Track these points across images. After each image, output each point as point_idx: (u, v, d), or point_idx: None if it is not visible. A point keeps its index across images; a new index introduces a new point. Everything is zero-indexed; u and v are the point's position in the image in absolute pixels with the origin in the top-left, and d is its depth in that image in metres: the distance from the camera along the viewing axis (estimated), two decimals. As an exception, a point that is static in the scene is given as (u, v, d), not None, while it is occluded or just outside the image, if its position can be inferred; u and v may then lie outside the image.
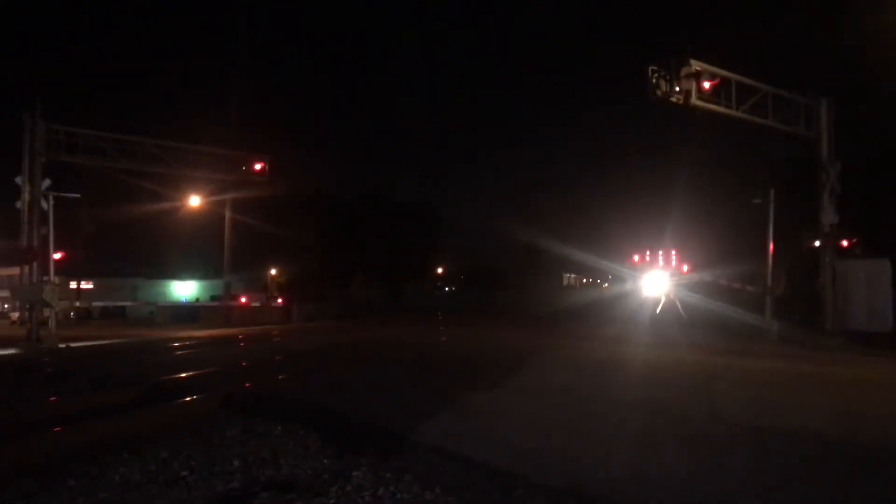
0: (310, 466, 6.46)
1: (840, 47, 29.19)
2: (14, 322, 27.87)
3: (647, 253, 61.20)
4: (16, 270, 22.37)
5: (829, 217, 19.80)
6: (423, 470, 6.18)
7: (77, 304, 36.77)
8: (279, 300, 39.22)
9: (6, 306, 35.96)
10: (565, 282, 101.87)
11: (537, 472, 6.10)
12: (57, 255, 22.74)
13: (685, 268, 53.36)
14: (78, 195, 23.54)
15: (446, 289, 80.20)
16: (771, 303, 21.49)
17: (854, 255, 21.63)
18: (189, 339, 23.33)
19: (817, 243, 20.29)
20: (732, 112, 18.74)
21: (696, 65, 17.54)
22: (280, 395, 10.68)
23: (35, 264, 20.84)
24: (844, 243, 20.10)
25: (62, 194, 22.23)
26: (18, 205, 20.92)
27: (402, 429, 7.68)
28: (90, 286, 41.53)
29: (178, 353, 19.25)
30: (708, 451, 6.93)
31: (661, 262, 58.60)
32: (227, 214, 33.13)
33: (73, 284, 37.27)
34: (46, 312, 20.85)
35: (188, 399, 10.71)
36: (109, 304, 39.67)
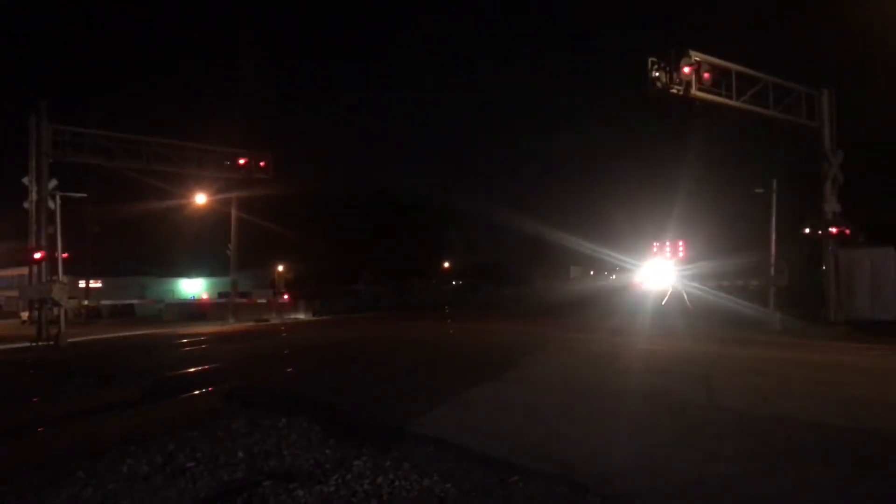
0: (312, 457, 6.60)
1: (843, 37, 29.09)
2: (25, 321, 28.16)
3: (655, 245, 61.25)
4: (25, 270, 22.63)
5: (831, 206, 19.85)
6: (422, 459, 6.33)
7: (86, 302, 37.08)
8: (286, 297, 39.43)
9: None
10: (572, 274, 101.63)
11: (534, 460, 6.22)
12: (65, 255, 22.95)
13: (691, 259, 53.32)
14: (84, 195, 23.78)
15: (454, 283, 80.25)
16: (774, 293, 21.53)
17: (858, 244, 21.65)
18: (196, 335, 23.57)
19: (819, 232, 20.34)
20: (733, 102, 18.77)
21: (695, 55, 17.60)
22: (284, 389, 10.87)
23: (43, 264, 21.08)
24: (847, 232, 20.11)
25: (69, 194, 22.46)
26: (26, 205, 21.17)
27: (403, 420, 7.83)
28: (99, 285, 41.85)
29: (186, 349, 19.46)
30: (703, 439, 7.03)
31: (667, 254, 58.61)
32: (233, 212, 33.32)
33: (81, 283, 37.59)
34: (55, 311, 21.10)
35: (195, 393, 10.89)
36: (118, 302, 39.95)
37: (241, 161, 27.84)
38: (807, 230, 21.78)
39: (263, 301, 38.66)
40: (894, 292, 19.38)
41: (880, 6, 20.80)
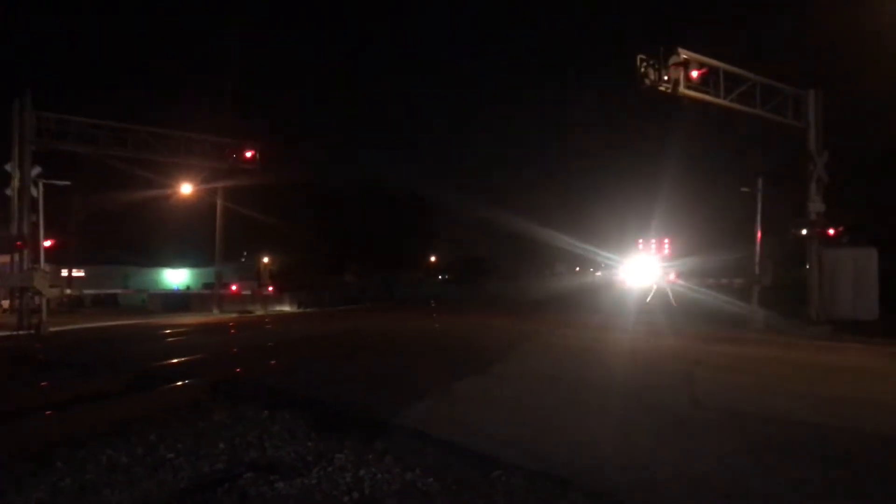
0: (294, 449, 6.57)
1: (831, 39, 29.29)
2: (6, 310, 27.85)
3: (640, 242, 61.65)
4: (6, 258, 22.35)
5: (815, 206, 20.00)
6: (405, 453, 6.31)
7: (68, 291, 36.63)
8: (270, 288, 39.18)
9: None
10: (557, 270, 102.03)
11: (517, 455, 6.21)
12: (47, 243, 22.70)
13: (676, 256, 53.65)
14: (68, 182, 23.46)
15: (440, 277, 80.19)
16: (758, 291, 21.68)
17: (842, 244, 21.84)
18: (180, 326, 23.41)
19: (804, 232, 20.48)
20: (721, 101, 18.83)
21: (684, 53, 17.65)
22: (268, 382, 10.79)
23: (25, 252, 20.83)
24: (831, 232, 20.29)
25: (52, 181, 22.17)
26: (8, 192, 20.90)
27: (386, 414, 7.80)
28: (82, 274, 41.41)
29: (169, 339, 19.32)
30: (687, 436, 7.06)
31: (652, 251, 58.98)
32: (219, 202, 33.05)
33: (64, 272, 37.14)
34: (37, 300, 20.87)
35: (177, 384, 10.78)
36: (101, 291, 39.52)
37: (229, 151, 27.62)
38: (792, 229, 21.90)
39: (248, 292, 38.40)
40: (876, 292, 19.58)
41: (874, 7, 20.93)
